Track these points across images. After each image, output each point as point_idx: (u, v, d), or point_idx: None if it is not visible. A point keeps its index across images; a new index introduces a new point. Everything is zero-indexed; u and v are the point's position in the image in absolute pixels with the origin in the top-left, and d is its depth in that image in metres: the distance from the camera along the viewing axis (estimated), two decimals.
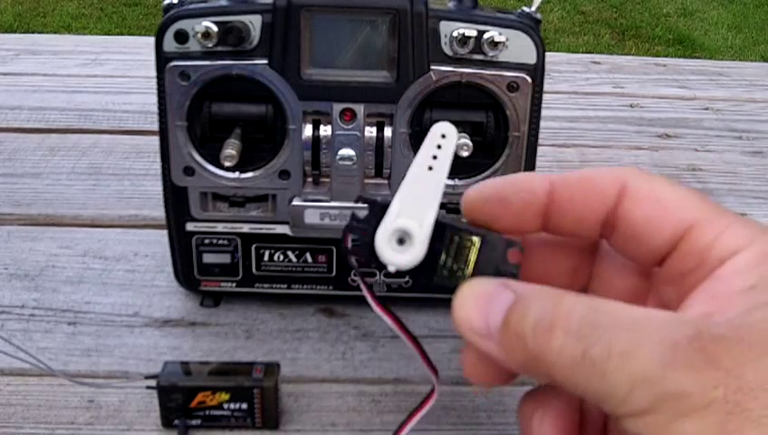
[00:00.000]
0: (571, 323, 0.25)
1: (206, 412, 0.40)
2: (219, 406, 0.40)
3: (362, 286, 0.32)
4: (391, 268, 0.29)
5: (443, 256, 0.30)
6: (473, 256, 0.30)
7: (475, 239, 0.30)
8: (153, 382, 0.40)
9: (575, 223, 0.31)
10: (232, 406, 0.40)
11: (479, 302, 0.28)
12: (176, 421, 0.40)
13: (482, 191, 0.31)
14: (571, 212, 0.31)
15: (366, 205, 0.30)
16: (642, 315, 0.26)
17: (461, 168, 0.45)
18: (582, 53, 2.58)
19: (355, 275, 0.31)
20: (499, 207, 0.31)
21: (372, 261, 0.30)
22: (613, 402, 0.24)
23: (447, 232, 0.29)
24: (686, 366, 0.23)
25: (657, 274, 0.31)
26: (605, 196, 0.30)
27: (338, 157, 0.44)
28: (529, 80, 0.43)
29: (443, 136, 0.30)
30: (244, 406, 0.40)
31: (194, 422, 0.40)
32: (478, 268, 0.30)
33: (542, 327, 0.26)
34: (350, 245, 0.30)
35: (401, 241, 0.29)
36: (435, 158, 0.30)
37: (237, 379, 0.40)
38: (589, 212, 0.30)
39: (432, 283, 0.30)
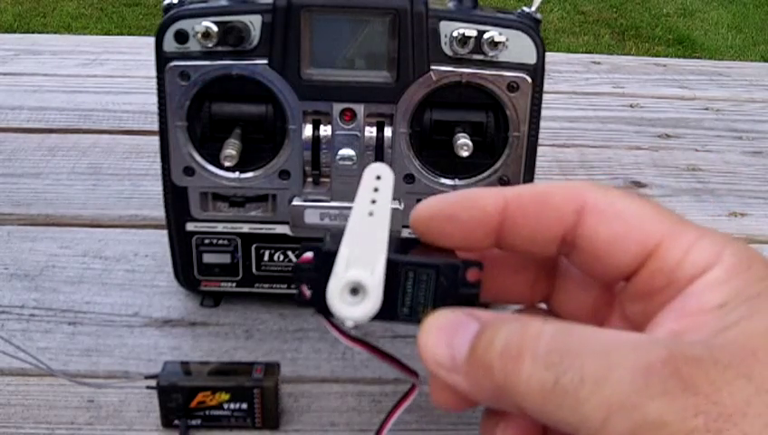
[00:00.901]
0: (540, 349, 0.25)
1: (206, 412, 0.40)
2: (219, 406, 0.40)
3: (328, 326, 0.31)
4: (349, 323, 0.28)
5: (400, 295, 0.29)
6: (431, 288, 0.29)
7: (430, 271, 0.29)
8: (153, 382, 0.40)
9: (530, 241, 0.30)
10: (232, 406, 0.40)
11: (443, 334, 0.27)
12: (176, 421, 0.40)
13: (430, 208, 0.30)
14: (526, 230, 0.30)
15: (311, 252, 0.29)
16: (613, 339, 0.25)
17: (461, 168, 0.45)
18: (582, 53, 2.58)
19: (300, 306, 0.30)
20: (447, 224, 0.30)
21: (327, 314, 0.29)
22: (588, 433, 0.23)
23: (401, 269, 0.28)
24: (663, 393, 0.23)
25: (623, 290, 0.30)
26: (562, 213, 0.29)
27: (338, 157, 0.44)
28: (529, 80, 0.43)
29: (378, 178, 0.29)
30: (245, 406, 0.40)
31: (194, 422, 0.40)
32: (438, 298, 0.29)
33: (510, 355, 0.25)
34: (308, 294, 0.29)
35: (354, 291, 0.28)
36: (374, 202, 0.28)
37: (237, 379, 0.40)
38: (544, 230, 0.29)
39: (395, 320, 0.29)
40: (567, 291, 0.32)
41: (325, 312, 0.29)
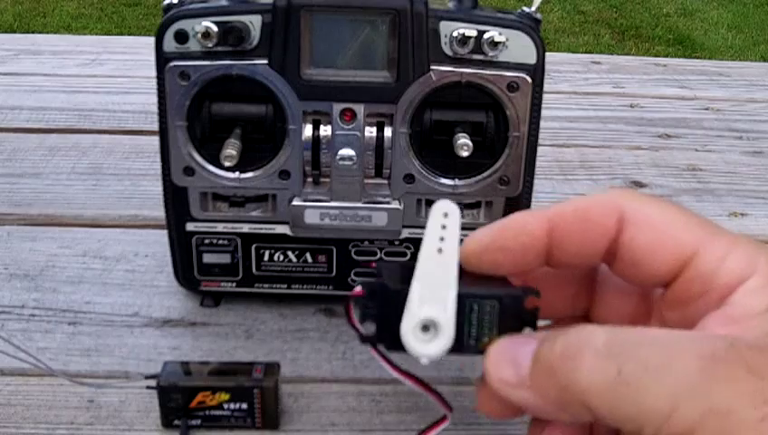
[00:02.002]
0: (599, 344, 0.25)
1: (206, 412, 0.40)
2: (219, 406, 0.40)
3: (380, 360, 0.32)
4: (424, 361, 0.29)
5: (466, 327, 0.29)
6: (494, 318, 0.30)
7: (494, 302, 0.29)
8: (153, 382, 0.40)
9: (577, 256, 0.31)
10: (232, 406, 0.40)
11: (506, 355, 0.28)
12: (176, 421, 0.40)
13: (479, 242, 0.31)
14: (572, 247, 0.30)
15: (372, 290, 0.30)
16: (670, 333, 0.26)
17: (461, 168, 0.45)
18: (582, 53, 2.58)
19: (364, 342, 0.31)
20: (499, 255, 0.31)
21: (396, 351, 0.29)
22: (654, 424, 0.23)
23: (465, 301, 0.29)
24: (729, 379, 0.23)
25: (660, 298, 0.30)
26: (604, 227, 0.30)
27: (338, 157, 0.44)
28: (529, 80, 0.43)
29: (445, 215, 0.30)
30: (245, 406, 0.40)
31: (194, 422, 0.40)
32: (501, 327, 0.30)
33: (570, 354, 0.26)
34: (369, 332, 0.30)
35: (425, 328, 0.29)
36: (442, 239, 0.29)
37: (237, 379, 0.40)
38: (590, 244, 0.30)
39: (461, 352, 0.29)
40: (606, 301, 0.33)
41: (387, 344, 0.30)
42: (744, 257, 0.28)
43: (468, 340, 0.29)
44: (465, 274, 0.30)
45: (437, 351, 0.29)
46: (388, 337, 0.29)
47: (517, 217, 0.31)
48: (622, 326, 0.27)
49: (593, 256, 0.31)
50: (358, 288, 0.30)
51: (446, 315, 0.29)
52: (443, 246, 0.29)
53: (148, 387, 0.40)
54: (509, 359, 0.28)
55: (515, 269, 0.31)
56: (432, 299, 0.29)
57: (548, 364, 0.26)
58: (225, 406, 0.40)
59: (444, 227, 0.29)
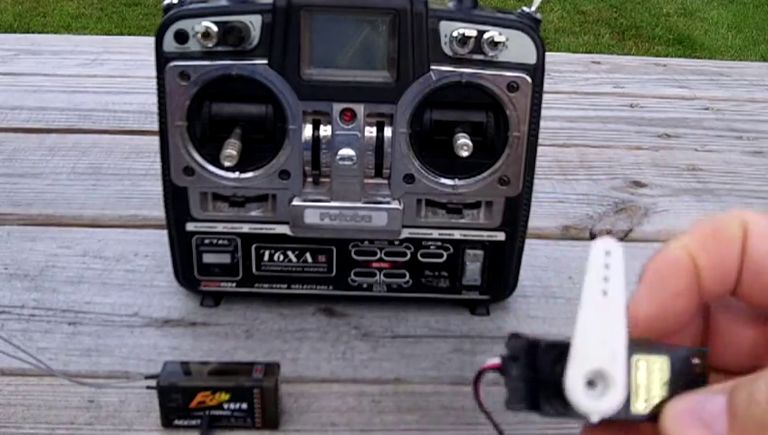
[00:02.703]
0: None
1: (206, 412, 0.40)
2: (219, 406, 0.40)
3: (480, 404, 0.30)
4: (595, 418, 0.25)
5: (634, 385, 0.27)
6: (664, 378, 0.27)
7: (663, 360, 0.27)
8: (153, 382, 0.40)
9: (715, 283, 0.28)
10: (232, 406, 0.40)
11: (691, 416, 0.26)
12: (176, 421, 0.40)
13: (648, 312, 0.28)
14: (713, 272, 0.28)
15: (513, 353, 0.27)
16: None
17: (461, 168, 0.45)
18: (582, 53, 2.58)
19: (483, 412, 0.30)
20: (665, 323, 0.28)
21: (559, 411, 0.26)
22: None
23: (632, 359, 0.27)
24: None
25: None
26: (734, 239, 0.28)
27: (338, 157, 0.44)
28: (529, 80, 0.43)
29: (607, 253, 0.27)
30: (245, 406, 0.40)
31: (193, 422, 0.40)
32: (672, 387, 0.27)
33: None
34: (516, 402, 0.27)
35: (590, 383, 0.26)
36: (606, 280, 0.26)
37: (237, 379, 0.40)
38: (727, 264, 0.28)
39: (629, 417, 0.27)
40: (723, 334, 0.31)
41: (540, 407, 0.27)
42: None
43: (635, 401, 0.27)
44: None
45: (609, 407, 0.25)
46: (543, 396, 0.27)
47: (665, 273, 0.28)
48: None
49: (729, 275, 0.28)
50: (494, 360, 0.28)
51: (616, 367, 0.25)
52: (607, 288, 0.26)
53: (148, 387, 0.40)
54: (695, 419, 0.25)
55: (678, 327, 0.29)
56: (599, 349, 0.26)
57: (755, 417, 0.24)
58: (225, 406, 0.40)
59: (607, 266, 0.27)
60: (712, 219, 0.29)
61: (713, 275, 0.28)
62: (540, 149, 0.46)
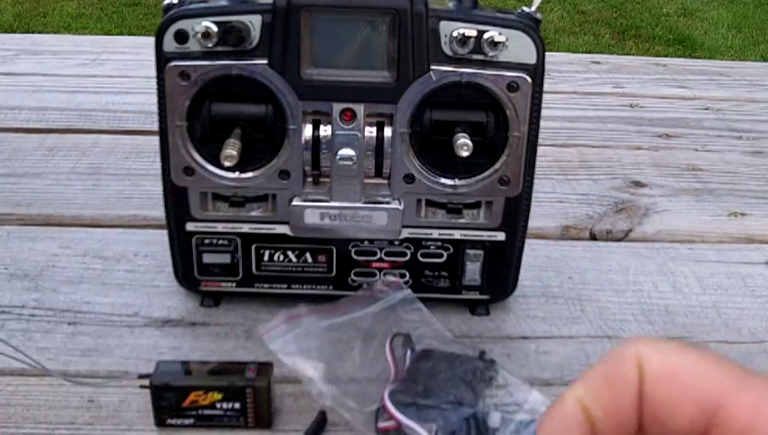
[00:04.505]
0: None
1: (199, 412, 0.40)
2: (212, 405, 0.40)
3: None
4: None
5: None
6: None
7: None
8: (146, 382, 0.40)
9: (623, 424, 0.27)
10: (224, 405, 0.40)
11: None
12: (169, 420, 0.40)
13: None
14: (609, 420, 0.27)
15: None
16: None
17: (461, 168, 0.45)
18: (582, 53, 2.58)
19: None
20: None
21: None
22: None
23: None
24: None
25: None
26: (630, 383, 0.26)
27: (338, 157, 0.44)
28: (529, 80, 0.43)
29: None
30: (237, 406, 0.40)
31: (186, 422, 0.40)
32: None
33: None
34: None
35: None
36: None
37: (230, 378, 0.40)
38: (624, 409, 0.27)
39: None
40: None
41: None
42: None
43: None
44: None
45: None
46: None
47: (560, 433, 0.29)
48: None
49: (628, 423, 0.27)
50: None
51: None
52: None
53: (141, 386, 0.40)
54: None
55: None
56: None
57: None
58: (218, 405, 0.40)
59: None
60: (605, 363, 0.27)
61: (609, 425, 0.27)
62: (540, 149, 0.46)
